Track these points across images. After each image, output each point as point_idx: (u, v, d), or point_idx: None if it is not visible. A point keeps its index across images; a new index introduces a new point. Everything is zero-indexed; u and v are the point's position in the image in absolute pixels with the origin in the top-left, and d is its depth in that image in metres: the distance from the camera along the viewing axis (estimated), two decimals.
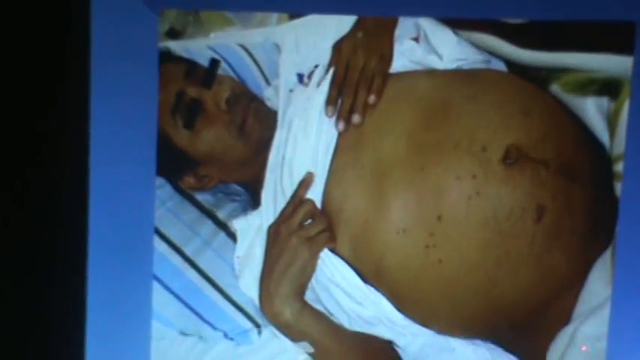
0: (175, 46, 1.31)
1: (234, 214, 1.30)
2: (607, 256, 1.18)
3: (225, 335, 1.29)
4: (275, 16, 1.30)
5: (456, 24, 1.26)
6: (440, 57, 1.28)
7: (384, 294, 1.22)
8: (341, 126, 1.24)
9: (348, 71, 1.26)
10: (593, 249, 1.19)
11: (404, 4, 1.25)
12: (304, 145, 1.25)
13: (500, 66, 1.27)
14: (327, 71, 1.28)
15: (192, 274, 1.28)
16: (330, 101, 1.25)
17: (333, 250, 1.22)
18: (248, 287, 1.27)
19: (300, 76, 1.31)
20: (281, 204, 1.25)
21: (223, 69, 1.30)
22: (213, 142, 1.26)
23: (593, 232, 1.19)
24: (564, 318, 1.19)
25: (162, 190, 1.30)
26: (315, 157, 1.24)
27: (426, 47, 1.29)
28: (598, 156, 1.20)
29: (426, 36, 1.29)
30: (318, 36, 1.30)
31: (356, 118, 1.23)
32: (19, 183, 1.23)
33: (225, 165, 1.28)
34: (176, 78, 1.26)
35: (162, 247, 1.27)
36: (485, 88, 1.24)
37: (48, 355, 1.24)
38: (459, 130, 1.19)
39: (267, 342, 1.28)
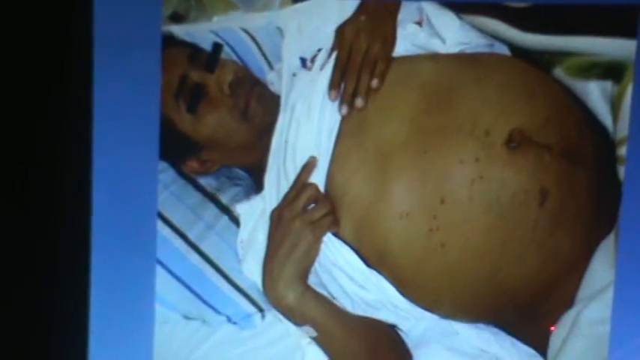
0: (178, 31, 1.30)
1: (237, 199, 1.31)
2: (610, 239, 1.18)
3: (229, 319, 1.29)
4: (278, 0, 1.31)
5: (459, 8, 1.26)
6: (443, 41, 1.28)
7: (387, 278, 1.22)
8: (344, 110, 1.24)
9: (351, 55, 1.26)
10: (597, 233, 1.19)
11: None
12: (307, 129, 1.24)
13: (504, 50, 1.27)
14: (330, 55, 1.28)
15: (195, 258, 1.28)
16: (333, 85, 1.25)
17: (336, 234, 1.22)
18: (251, 271, 1.27)
19: (303, 60, 1.31)
20: (284, 188, 1.25)
21: (226, 53, 1.30)
22: (216, 127, 1.26)
23: (597, 215, 1.19)
24: (567, 302, 1.19)
25: (166, 174, 1.30)
26: (318, 141, 1.24)
27: (429, 31, 1.29)
28: (601, 140, 1.20)
29: (429, 20, 1.29)
30: (321, 20, 1.30)
31: (359, 102, 1.23)
32: (22, 166, 1.23)
33: (228, 149, 1.28)
34: (179, 62, 1.26)
35: (166, 231, 1.27)
36: (489, 72, 1.23)
37: (51, 338, 1.24)
38: (462, 114, 1.19)
39: (270, 326, 1.28)
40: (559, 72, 1.22)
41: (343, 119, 1.24)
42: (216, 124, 1.26)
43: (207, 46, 1.28)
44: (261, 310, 1.29)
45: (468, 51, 1.28)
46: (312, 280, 1.24)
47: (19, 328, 1.24)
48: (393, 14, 1.28)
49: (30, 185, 1.23)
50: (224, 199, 1.31)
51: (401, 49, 1.28)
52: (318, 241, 1.22)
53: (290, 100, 1.27)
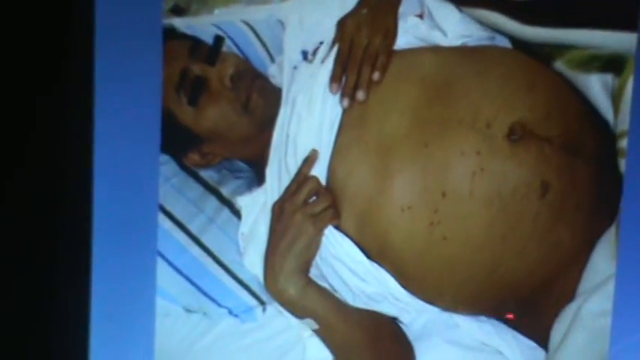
0: (179, 23, 1.31)
1: (238, 191, 1.31)
2: (611, 232, 1.18)
3: (230, 312, 1.29)
4: None
5: (459, 1, 1.26)
6: (444, 34, 1.28)
7: (388, 271, 1.22)
8: (345, 103, 1.24)
9: (352, 48, 1.26)
10: (598, 226, 1.20)
11: None
12: (308, 122, 1.24)
13: (505, 42, 1.27)
14: (331, 48, 1.28)
15: (196, 250, 1.28)
16: (335, 78, 1.25)
17: (337, 227, 1.22)
18: (252, 264, 1.27)
19: (305, 53, 1.31)
20: (285, 181, 1.25)
21: (227, 46, 1.30)
22: (217, 119, 1.26)
23: (598, 208, 1.19)
24: (569, 294, 1.19)
25: (167, 167, 1.30)
26: (320, 134, 1.24)
27: (430, 24, 1.29)
28: (602, 132, 1.20)
29: (430, 13, 1.29)
30: (323, 13, 1.30)
31: (360, 95, 1.23)
32: (22, 160, 1.23)
33: (229, 142, 1.28)
34: (180, 55, 1.26)
35: (167, 224, 1.27)
36: (490, 64, 1.23)
37: (52, 332, 1.24)
38: (463, 107, 1.19)
39: (272, 319, 1.28)
40: (560, 65, 1.23)
41: (344, 112, 1.24)
42: (217, 117, 1.26)
43: (208, 39, 1.29)
44: (262, 303, 1.28)
45: (469, 44, 1.28)
46: (313, 273, 1.24)
47: (20, 320, 1.24)
48: (394, 7, 1.28)
49: (31, 178, 1.23)
50: (225, 191, 1.31)
51: (402, 42, 1.28)
52: (319, 233, 1.22)
53: (291, 93, 1.27)
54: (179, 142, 1.27)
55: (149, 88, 1.22)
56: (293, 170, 1.25)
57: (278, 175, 1.26)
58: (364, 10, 1.27)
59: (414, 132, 1.20)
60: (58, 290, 1.23)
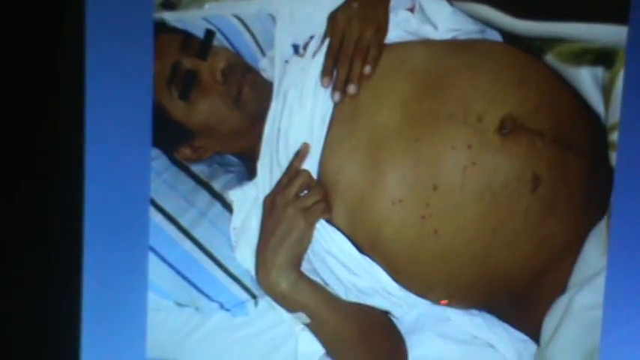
0: (170, 17, 1.31)
1: (230, 185, 1.31)
2: (602, 225, 1.19)
3: (222, 306, 1.29)
4: None
5: None
6: (435, 27, 1.28)
7: (380, 264, 1.22)
8: (336, 96, 1.24)
9: (343, 42, 1.26)
10: (589, 219, 1.20)
11: None
12: (300, 116, 1.24)
13: (496, 36, 1.28)
14: (322, 42, 1.28)
15: (188, 245, 1.28)
16: (326, 72, 1.25)
17: (329, 221, 1.22)
18: (244, 258, 1.27)
19: (296, 47, 1.31)
20: (277, 175, 1.25)
21: (218, 40, 1.30)
22: (208, 114, 1.25)
23: (589, 201, 1.20)
24: (560, 287, 1.19)
25: (158, 161, 1.30)
26: (311, 128, 1.24)
27: (421, 18, 1.29)
28: (593, 126, 1.20)
29: (421, 6, 1.29)
30: (314, 6, 1.30)
31: (351, 89, 1.23)
32: (13, 155, 1.23)
33: (220, 136, 1.28)
34: (171, 49, 1.25)
35: (158, 218, 1.27)
36: (481, 58, 1.24)
37: (43, 327, 1.24)
38: (454, 101, 1.19)
39: (263, 313, 1.29)
40: (551, 58, 1.23)
41: (336, 106, 1.24)
42: (208, 111, 1.25)
43: (199, 33, 1.28)
44: (254, 297, 1.29)
45: (459, 37, 1.29)
46: (304, 267, 1.24)
47: (11, 315, 1.24)
48: (385, 1, 1.28)
49: (22, 174, 1.23)
50: (217, 186, 1.31)
51: (393, 35, 1.28)
52: (310, 227, 1.22)
53: (282, 87, 1.27)
54: (170, 136, 1.27)
55: (140, 83, 1.21)
56: (284, 164, 1.24)
57: (269, 169, 1.26)
58: (355, 4, 1.27)
59: (406, 126, 1.20)
60: (49, 285, 1.23)
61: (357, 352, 1.25)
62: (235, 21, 1.34)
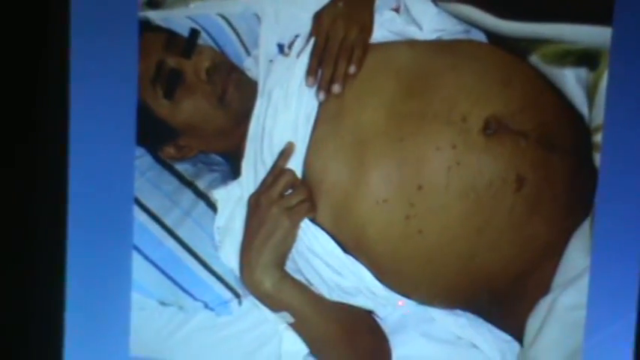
0: (154, 16, 1.30)
1: (214, 185, 1.30)
2: (586, 226, 1.19)
3: (206, 305, 1.29)
4: None
5: None
6: (420, 27, 1.29)
7: (364, 264, 1.22)
8: (321, 96, 1.24)
9: (328, 41, 1.26)
10: (573, 219, 1.20)
11: None
12: (284, 115, 1.24)
13: (480, 37, 1.28)
14: (307, 41, 1.28)
15: (172, 244, 1.28)
16: (311, 71, 1.25)
17: (313, 220, 1.22)
18: (228, 258, 1.27)
19: (281, 47, 1.31)
20: (261, 174, 1.25)
21: (203, 39, 1.30)
22: (193, 113, 1.25)
23: (573, 202, 1.20)
24: (544, 288, 1.20)
25: (142, 160, 1.30)
26: (296, 127, 1.24)
27: (406, 18, 1.30)
28: (577, 127, 1.21)
29: (406, 7, 1.29)
30: (299, 6, 1.30)
31: (336, 88, 1.23)
32: None
33: (205, 135, 1.28)
34: (156, 48, 1.25)
35: (143, 217, 1.27)
36: (465, 58, 1.24)
37: (27, 325, 1.24)
38: (439, 101, 1.19)
39: (247, 312, 1.28)
40: (535, 59, 1.23)
41: (320, 105, 1.24)
42: (193, 110, 1.25)
43: (183, 31, 1.28)
44: (238, 296, 1.28)
45: (444, 38, 1.29)
46: (289, 267, 1.24)
47: None
48: (370, 1, 1.29)
49: (5, 172, 1.23)
50: (201, 185, 1.31)
51: (378, 35, 1.28)
52: (295, 227, 1.22)
53: (267, 87, 1.27)
54: (155, 135, 1.27)
55: (125, 82, 1.21)
56: (269, 163, 1.24)
57: (254, 168, 1.26)
58: (340, 4, 1.27)
59: (390, 125, 1.20)
60: (33, 284, 1.23)
61: (341, 352, 1.25)
62: (220, 20, 1.33)
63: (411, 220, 1.18)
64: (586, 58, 1.19)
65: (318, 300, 1.25)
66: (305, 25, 1.29)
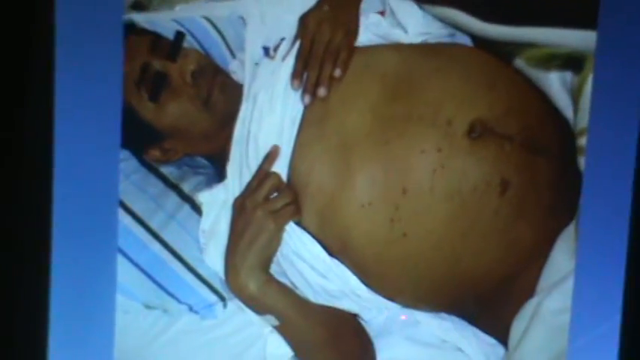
0: (140, 19, 1.30)
1: (199, 188, 1.30)
2: (571, 229, 1.19)
3: (190, 309, 1.29)
4: None
5: None
6: (405, 31, 1.29)
7: (349, 267, 1.22)
8: (307, 99, 1.24)
9: (313, 45, 1.26)
10: (557, 223, 1.20)
11: None
12: (270, 118, 1.24)
13: (466, 40, 1.28)
14: (292, 44, 1.28)
15: (157, 247, 1.27)
16: (296, 74, 1.25)
17: (298, 224, 1.22)
18: (213, 261, 1.26)
19: (266, 50, 1.31)
20: (246, 177, 1.24)
21: (188, 42, 1.29)
22: (178, 115, 1.25)
23: (558, 205, 1.20)
24: (529, 291, 1.20)
25: (127, 163, 1.29)
26: (281, 130, 1.24)
27: (392, 21, 1.30)
28: (562, 130, 1.21)
29: (391, 10, 1.30)
30: (284, 9, 1.30)
31: (321, 92, 1.23)
32: None
33: (190, 138, 1.27)
34: (141, 50, 1.24)
35: (127, 220, 1.26)
36: (450, 62, 1.24)
37: (10, 328, 1.23)
38: (424, 104, 1.19)
39: (232, 315, 1.28)
40: (520, 62, 1.23)
41: (306, 109, 1.24)
42: (178, 112, 1.25)
43: (169, 34, 1.27)
44: (222, 299, 1.28)
45: (430, 41, 1.29)
46: (274, 270, 1.24)
47: None
48: (356, 4, 1.29)
49: None
50: (186, 188, 1.30)
51: (364, 38, 1.28)
52: (280, 230, 1.22)
53: (252, 90, 1.26)
54: (140, 137, 1.26)
55: (110, 84, 1.21)
56: (254, 166, 1.24)
57: (239, 171, 1.26)
58: (326, 7, 1.27)
59: (375, 129, 1.20)
60: (17, 286, 1.23)
61: (326, 355, 1.25)
62: (205, 23, 1.33)
63: (395, 224, 1.18)
64: (571, 61, 1.19)
65: (303, 303, 1.25)
66: (291, 27, 1.29)
